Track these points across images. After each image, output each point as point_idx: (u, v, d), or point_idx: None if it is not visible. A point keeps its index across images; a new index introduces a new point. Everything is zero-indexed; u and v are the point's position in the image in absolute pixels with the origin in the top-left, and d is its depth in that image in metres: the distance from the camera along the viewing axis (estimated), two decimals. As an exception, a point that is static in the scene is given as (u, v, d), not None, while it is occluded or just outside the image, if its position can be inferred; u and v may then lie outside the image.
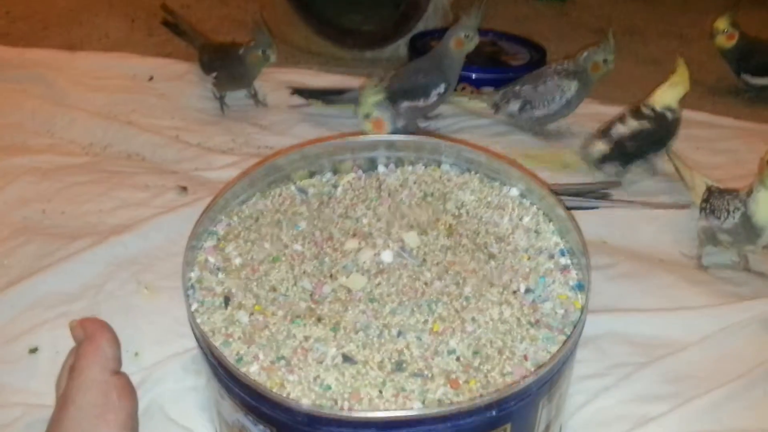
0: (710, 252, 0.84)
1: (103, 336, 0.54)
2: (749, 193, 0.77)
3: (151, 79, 1.24)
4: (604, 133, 0.97)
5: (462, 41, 1.03)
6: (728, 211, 0.79)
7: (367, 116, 0.83)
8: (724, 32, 1.27)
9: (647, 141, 0.95)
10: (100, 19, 1.68)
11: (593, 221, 0.88)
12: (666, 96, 0.95)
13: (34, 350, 0.67)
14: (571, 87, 1.04)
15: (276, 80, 1.21)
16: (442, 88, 1.05)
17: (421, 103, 1.05)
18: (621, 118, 0.97)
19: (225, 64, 1.13)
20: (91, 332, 0.54)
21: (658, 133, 0.95)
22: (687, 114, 1.12)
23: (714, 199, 0.82)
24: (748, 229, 0.77)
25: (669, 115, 0.94)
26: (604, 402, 0.64)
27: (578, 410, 0.64)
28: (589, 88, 1.06)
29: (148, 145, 1.04)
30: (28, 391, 0.64)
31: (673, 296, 0.76)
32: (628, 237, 0.86)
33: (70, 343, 0.60)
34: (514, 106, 1.08)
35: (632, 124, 0.95)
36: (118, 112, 1.13)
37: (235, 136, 1.10)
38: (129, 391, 0.53)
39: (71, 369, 0.53)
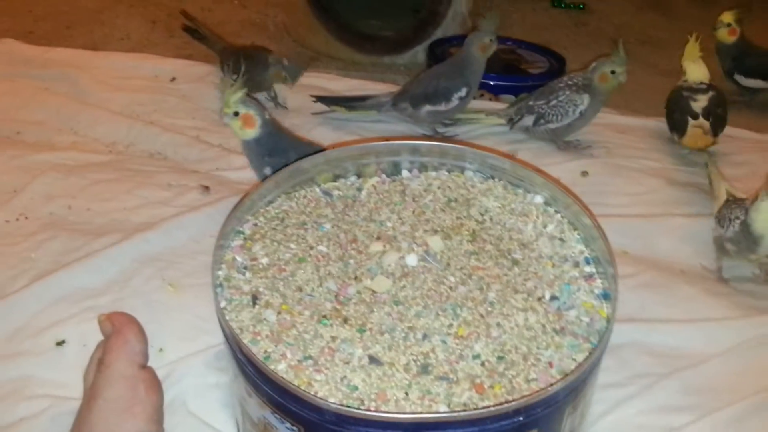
0: (731, 265, 0.83)
1: (130, 330, 0.54)
2: (753, 201, 0.78)
3: (173, 80, 1.25)
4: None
5: (486, 46, 1.03)
6: (730, 220, 0.80)
7: (236, 114, 0.80)
8: (728, 26, 1.27)
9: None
10: (122, 20, 1.70)
11: (614, 230, 0.88)
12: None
13: (60, 343, 0.67)
14: (584, 100, 1.04)
15: (296, 84, 1.21)
16: (463, 92, 1.05)
17: (442, 107, 1.05)
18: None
19: (248, 68, 1.13)
20: (119, 326, 0.55)
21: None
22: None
23: (724, 209, 0.83)
24: (747, 238, 0.78)
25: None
26: (625, 412, 0.64)
27: (599, 419, 0.64)
28: (602, 100, 1.06)
29: (170, 145, 1.05)
30: (55, 383, 0.65)
31: (694, 308, 0.76)
32: (649, 247, 0.86)
33: (97, 337, 0.61)
34: (529, 120, 1.08)
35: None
36: (140, 111, 1.14)
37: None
38: (156, 385, 0.54)
39: (99, 362, 0.54)
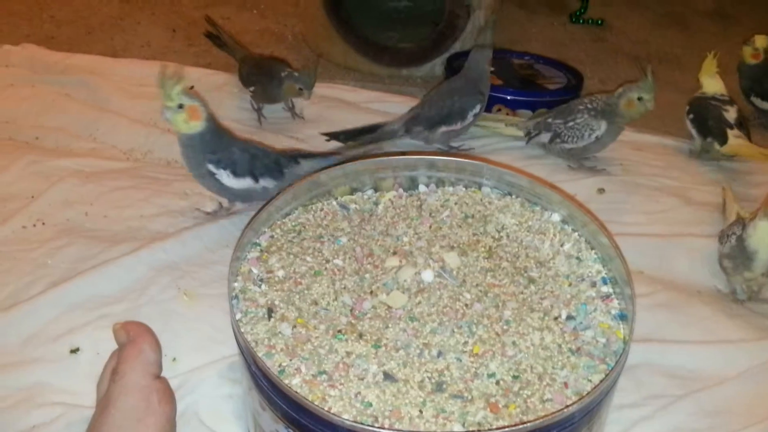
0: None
1: (145, 340, 0.54)
2: (751, 219, 0.78)
3: (191, 88, 1.26)
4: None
5: (491, 60, 1.06)
6: (728, 236, 0.81)
7: (180, 107, 0.78)
8: (755, 49, 1.27)
9: None
10: (142, 27, 1.71)
11: (630, 250, 0.87)
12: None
13: (75, 350, 0.68)
14: (601, 126, 1.02)
15: (313, 95, 1.21)
16: (478, 109, 1.05)
17: (458, 126, 1.05)
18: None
19: (263, 80, 1.14)
20: (134, 336, 0.55)
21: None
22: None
23: (726, 228, 0.83)
24: (743, 253, 0.78)
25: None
26: (639, 433, 0.64)
27: (612, 440, 0.63)
28: (621, 126, 1.04)
29: (188, 154, 1.05)
30: (69, 391, 0.65)
31: (711, 329, 0.75)
32: (666, 267, 0.86)
33: (111, 345, 0.61)
34: (545, 137, 1.07)
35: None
36: (158, 119, 1.13)
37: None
38: (169, 395, 0.54)
39: (113, 372, 0.54)
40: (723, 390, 0.68)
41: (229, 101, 1.23)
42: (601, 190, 1.02)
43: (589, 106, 1.04)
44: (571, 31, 1.87)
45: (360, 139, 1.11)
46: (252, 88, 1.16)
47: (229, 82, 1.28)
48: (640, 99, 1.00)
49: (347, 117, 1.19)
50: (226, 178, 0.81)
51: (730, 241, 0.80)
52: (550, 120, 1.07)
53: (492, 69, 1.25)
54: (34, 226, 0.83)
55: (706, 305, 0.79)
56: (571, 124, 1.04)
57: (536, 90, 1.31)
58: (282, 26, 1.76)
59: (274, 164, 0.85)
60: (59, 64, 1.28)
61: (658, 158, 1.13)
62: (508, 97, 1.29)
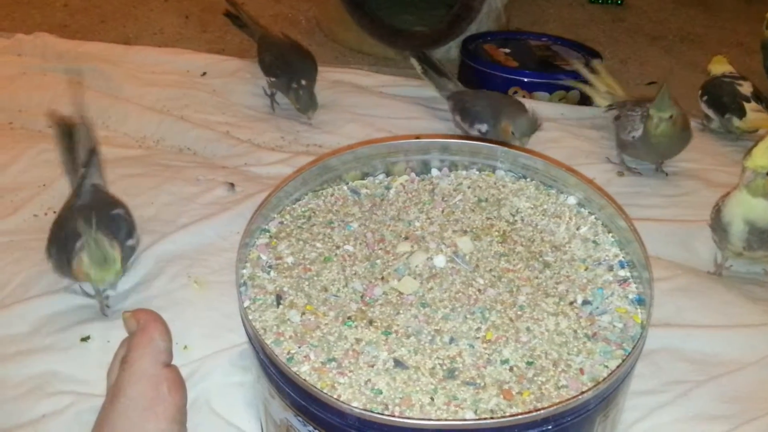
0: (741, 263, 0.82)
1: (155, 328, 0.53)
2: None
3: (204, 74, 1.25)
4: None
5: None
6: (713, 209, 0.80)
7: None
8: None
9: None
10: (156, 14, 1.71)
11: (649, 234, 0.85)
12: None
13: (85, 339, 0.67)
14: (638, 130, 0.96)
15: (327, 79, 1.20)
16: (484, 128, 1.01)
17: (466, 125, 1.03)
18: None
19: (284, 80, 1.11)
20: (143, 324, 0.54)
21: None
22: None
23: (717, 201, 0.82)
24: (720, 225, 0.77)
25: None
26: (659, 419, 0.62)
27: (631, 427, 0.62)
28: (656, 143, 0.95)
29: (200, 140, 1.04)
30: (78, 379, 0.65)
31: (732, 313, 0.73)
32: (686, 251, 0.84)
33: (122, 334, 0.60)
34: (613, 114, 1.05)
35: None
36: (171, 106, 1.14)
37: (284, 134, 1.10)
38: (179, 384, 0.53)
39: (123, 360, 0.53)
40: (744, 375, 0.66)
41: (242, 87, 1.22)
42: (620, 173, 1.00)
43: (643, 109, 0.98)
44: (590, 11, 1.84)
45: (425, 64, 1.09)
46: (273, 79, 1.14)
47: (241, 68, 1.27)
48: (650, 117, 0.92)
49: (361, 101, 1.18)
50: None
51: (713, 213, 0.79)
52: (629, 104, 1.03)
53: (508, 51, 1.24)
54: (45, 215, 0.82)
55: (728, 289, 0.77)
56: (629, 113, 0.99)
57: (553, 71, 1.29)
58: (296, 11, 1.75)
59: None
60: (71, 52, 1.28)
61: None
62: (525, 80, 1.27)
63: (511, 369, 0.49)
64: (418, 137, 1.11)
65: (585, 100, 1.28)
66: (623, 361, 0.48)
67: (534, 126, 0.93)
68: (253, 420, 0.62)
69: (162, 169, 0.93)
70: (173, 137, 1.05)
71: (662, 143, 0.94)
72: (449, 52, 1.52)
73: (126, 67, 1.24)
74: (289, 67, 1.10)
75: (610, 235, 0.61)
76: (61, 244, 0.67)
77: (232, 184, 0.90)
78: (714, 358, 0.68)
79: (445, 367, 0.49)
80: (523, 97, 1.23)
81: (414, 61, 1.13)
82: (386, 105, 1.17)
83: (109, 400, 0.52)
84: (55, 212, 0.83)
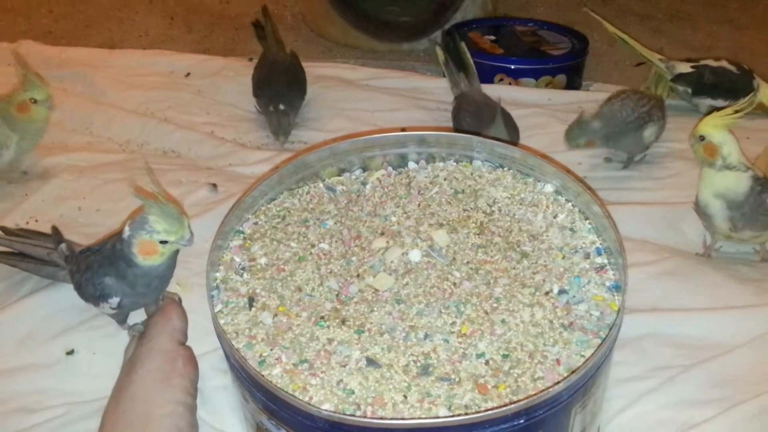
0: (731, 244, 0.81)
1: (173, 309, 0.59)
2: None
3: (187, 75, 1.25)
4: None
5: None
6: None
7: None
8: None
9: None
10: (141, 16, 1.70)
11: (637, 217, 0.85)
12: None
13: (70, 352, 0.67)
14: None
15: (312, 75, 1.19)
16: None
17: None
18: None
19: (262, 93, 1.10)
20: (162, 305, 0.60)
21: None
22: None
23: None
24: (699, 208, 0.77)
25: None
26: (645, 407, 0.62)
27: (617, 415, 0.61)
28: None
29: (184, 142, 1.04)
30: (68, 392, 0.66)
31: (721, 295, 0.73)
32: (674, 234, 0.83)
33: (107, 344, 0.61)
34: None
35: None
36: (155, 109, 1.13)
37: (269, 132, 1.09)
38: (193, 361, 0.57)
39: (142, 336, 0.57)
40: (732, 358, 0.65)
41: (227, 86, 1.21)
42: (608, 159, 0.99)
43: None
44: (577, -7, 1.82)
45: (448, 62, 1.08)
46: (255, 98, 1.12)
47: (225, 67, 1.26)
48: None
49: (345, 96, 1.17)
50: None
51: (695, 199, 0.78)
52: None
53: (493, 38, 1.23)
54: (27, 223, 0.82)
55: (716, 271, 0.76)
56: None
57: (538, 57, 1.28)
58: (281, 7, 1.74)
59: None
60: (55, 59, 1.27)
61: (668, 121, 1.09)
62: (512, 67, 1.26)
63: (486, 362, 0.49)
64: (403, 129, 1.10)
65: (572, 85, 1.27)
66: (595, 351, 0.47)
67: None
68: (238, 423, 0.62)
69: (144, 172, 0.92)
70: (157, 140, 1.05)
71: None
72: (436, 40, 1.51)
73: (109, 71, 1.23)
74: (271, 89, 1.08)
75: (587, 221, 0.60)
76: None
77: (214, 185, 0.90)
78: (702, 342, 0.67)
79: (419, 364, 0.49)
80: (509, 84, 1.22)
81: (438, 51, 1.11)
82: (371, 98, 1.16)
83: (126, 372, 0.56)
84: (37, 221, 0.83)
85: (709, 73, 1.05)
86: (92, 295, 0.62)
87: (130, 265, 0.58)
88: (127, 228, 0.57)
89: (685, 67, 1.06)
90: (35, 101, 0.87)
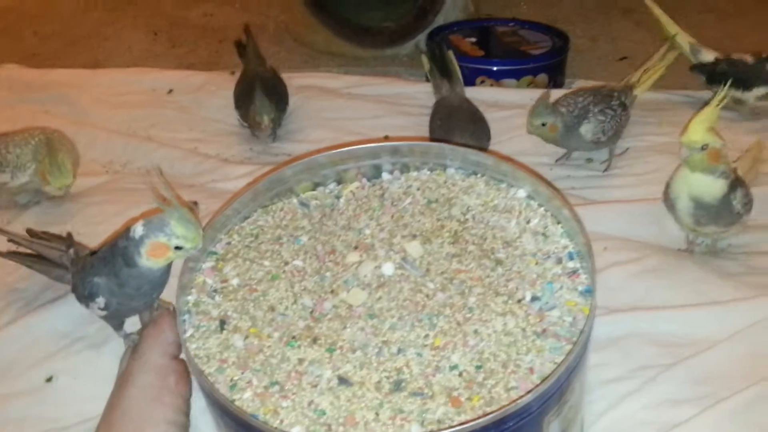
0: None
1: (166, 321, 0.56)
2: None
3: (170, 92, 1.25)
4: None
5: None
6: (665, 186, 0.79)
7: None
8: None
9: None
10: (125, 33, 1.70)
11: (619, 214, 0.85)
12: None
13: (49, 379, 0.67)
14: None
15: (293, 85, 1.20)
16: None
17: None
18: None
19: (243, 104, 1.10)
20: (155, 316, 0.57)
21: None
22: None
23: None
24: (668, 200, 0.77)
25: None
26: (628, 408, 0.62)
27: (600, 418, 0.61)
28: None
29: (167, 160, 1.04)
30: (49, 418, 0.65)
31: (702, 291, 0.72)
32: (656, 230, 0.83)
33: (88, 369, 0.61)
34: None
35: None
36: (137, 127, 1.14)
37: (253, 145, 1.10)
38: (186, 377, 0.55)
39: (134, 350, 0.56)
40: (714, 354, 0.65)
41: (209, 101, 1.21)
42: (588, 160, 0.99)
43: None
44: (560, -11, 1.82)
45: (433, 70, 1.08)
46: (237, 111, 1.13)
47: (208, 82, 1.26)
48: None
49: (327, 105, 1.17)
50: None
51: (664, 189, 0.78)
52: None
53: (473, 40, 1.23)
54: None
55: (698, 267, 0.76)
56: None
57: (519, 57, 1.28)
58: (264, 17, 1.73)
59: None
60: (38, 82, 1.28)
61: (649, 114, 1.09)
62: (495, 68, 1.26)
63: (460, 374, 0.49)
64: (386, 137, 1.11)
65: (554, 84, 1.27)
66: (564, 358, 0.47)
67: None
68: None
69: (126, 193, 0.92)
70: (140, 159, 1.05)
71: (556, 142, 0.96)
72: (419, 46, 1.50)
73: (92, 91, 1.24)
74: (251, 103, 1.08)
75: (560, 225, 0.60)
76: None
77: (195, 203, 0.90)
78: (683, 339, 0.67)
79: (391, 380, 0.49)
80: (491, 85, 1.22)
81: (424, 59, 1.12)
82: (353, 106, 1.16)
83: (117, 388, 0.55)
84: (18, 248, 0.83)
85: (725, 63, 1.05)
86: (82, 294, 0.62)
87: (128, 264, 0.57)
88: (140, 227, 0.56)
89: (709, 57, 1.08)
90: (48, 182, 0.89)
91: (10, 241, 0.76)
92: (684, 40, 1.09)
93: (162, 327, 0.56)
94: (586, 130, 0.93)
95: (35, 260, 0.75)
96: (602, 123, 0.93)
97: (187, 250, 0.55)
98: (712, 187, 0.73)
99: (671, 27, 1.10)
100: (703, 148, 0.71)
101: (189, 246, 0.55)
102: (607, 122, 0.93)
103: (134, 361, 0.55)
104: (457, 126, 0.95)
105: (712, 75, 1.06)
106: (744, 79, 1.02)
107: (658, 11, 1.12)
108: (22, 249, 0.76)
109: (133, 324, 0.64)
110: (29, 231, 0.78)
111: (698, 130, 0.71)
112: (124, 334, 0.64)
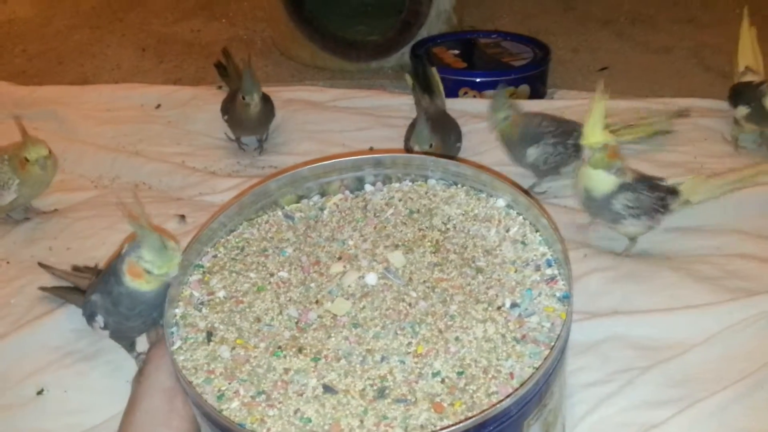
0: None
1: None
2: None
3: (158, 107, 1.26)
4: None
5: None
6: None
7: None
8: None
9: None
10: (112, 49, 1.71)
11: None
12: None
13: (40, 392, 0.68)
14: None
15: (280, 99, 1.21)
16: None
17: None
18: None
19: (230, 108, 1.11)
20: (161, 336, 0.56)
21: None
22: (697, 102, 1.10)
23: None
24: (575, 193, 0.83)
25: None
26: (606, 411, 0.63)
27: (580, 421, 0.63)
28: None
29: (155, 174, 1.05)
30: (41, 430, 0.66)
31: (678, 295, 0.74)
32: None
33: (78, 383, 0.61)
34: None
35: None
36: (126, 143, 1.15)
37: (240, 158, 1.11)
38: None
39: (140, 372, 0.55)
40: (690, 357, 0.67)
41: (197, 115, 1.23)
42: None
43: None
44: (541, 2, 1.84)
45: (415, 86, 1.10)
46: (226, 117, 1.14)
47: (195, 96, 1.28)
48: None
49: (313, 118, 1.19)
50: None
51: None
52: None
53: (456, 52, 1.25)
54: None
55: (674, 271, 0.78)
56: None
57: (501, 69, 1.30)
58: (251, 32, 1.75)
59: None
60: (27, 98, 1.29)
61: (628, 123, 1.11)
62: (477, 80, 1.28)
63: (442, 381, 0.50)
64: (371, 148, 1.12)
65: (535, 94, 1.29)
66: (542, 363, 0.48)
67: (429, 139, 0.94)
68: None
69: (114, 208, 0.93)
70: (128, 173, 1.06)
71: (509, 141, 0.98)
72: (403, 58, 1.52)
73: (81, 107, 1.25)
74: (233, 97, 1.10)
75: (538, 233, 0.62)
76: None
77: (183, 216, 0.91)
78: (660, 343, 0.69)
79: (375, 387, 0.50)
80: (474, 97, 1.24)
81: (407, 77, 1.15)
82: (338, 119, 1.18)
83: (126, 412, 0.54)
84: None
85: (740, 85, 1.07)
86: (85, 314, 0.63)
87: (118, 282, 0.58)
88: (126, 245, 0.57)
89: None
90: (27, 160, 0.88)
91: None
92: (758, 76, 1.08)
93: (166, 347, 0.53)
94: (531, 152, 0.95)
95: (67, 291, 0.77)
96: (546, 155, 0.95)
97: (158, 276, 0.56)
98: (602, 182, 0.78)
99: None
100: (603, 147, 0.76)
101: (157, 272, 0.56)
102: (551, 156, 0.95)
103: (139, 384, 0.54)
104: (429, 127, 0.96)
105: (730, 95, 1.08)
106: (734, 97, 1.05)
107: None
108: (63, 283, 0.78)
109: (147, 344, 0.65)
110: (74, 267, 0.81)
111: (595, 132, 0.76)
112: (136, 354, 0.65)
